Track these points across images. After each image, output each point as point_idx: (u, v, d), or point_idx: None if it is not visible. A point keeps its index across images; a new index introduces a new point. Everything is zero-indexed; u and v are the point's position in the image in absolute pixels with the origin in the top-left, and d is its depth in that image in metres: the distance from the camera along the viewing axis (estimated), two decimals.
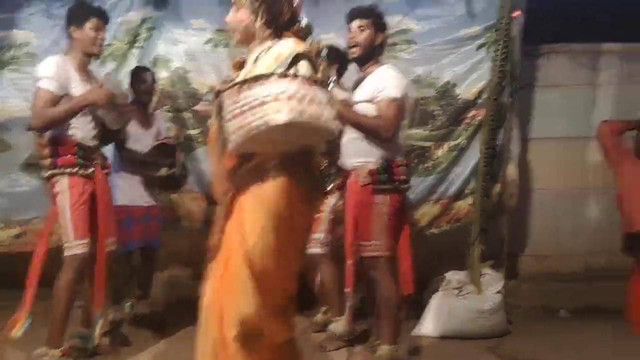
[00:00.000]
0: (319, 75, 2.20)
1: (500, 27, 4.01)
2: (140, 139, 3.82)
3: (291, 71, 2.05)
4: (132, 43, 4.19)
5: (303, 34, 2.29)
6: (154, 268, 3.99)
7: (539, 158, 4.70)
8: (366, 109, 3.10)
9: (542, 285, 4.61)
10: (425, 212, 4.30)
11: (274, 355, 2.24)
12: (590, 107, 4.67)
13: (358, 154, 3.14)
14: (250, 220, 2.13)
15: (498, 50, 4.04)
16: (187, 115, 4.25)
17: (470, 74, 4.29)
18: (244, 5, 2.26)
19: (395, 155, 3.14)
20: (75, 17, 3.20)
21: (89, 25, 3.16)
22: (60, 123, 3.11)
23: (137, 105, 3.83)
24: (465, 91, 4.28)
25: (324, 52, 2.31)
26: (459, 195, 4.31)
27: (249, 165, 2.17)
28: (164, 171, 3.77)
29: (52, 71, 3.07)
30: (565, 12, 4.55)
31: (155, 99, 4.06)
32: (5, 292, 3.51)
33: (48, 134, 3.17)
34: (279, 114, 1.92)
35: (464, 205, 4.30)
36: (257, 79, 1.98)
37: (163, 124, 4.07)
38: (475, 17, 4.28)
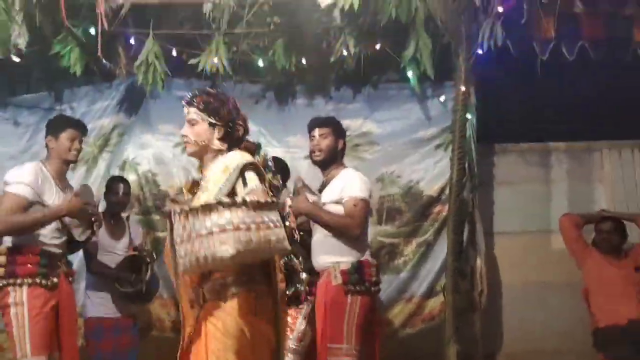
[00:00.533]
0: (266, 184, 2.33)
1: (454, 129, 4.21)
2: (112, 250, 3.79)
3: (238, 199, 2.11)
4: (102, 147, 4.27)
5: (254, 148, 2.44)
6: None
7: (502, 253, 4.78)
8: (334, 210, 3.19)
9: None
10: (399, 312, 4.29)
11: None
12: (545, 202, 4.84)
13: (329, 253, 3.18)
14: (212, 340, 2.18)
15: (454, 149, 4.23)
16: (156, 217, 4.25)
17: (431, 171, 4.48)
18: (201, 121, 2.36)
19: (365, 255, 3.20)
20: (52, 128, 3.30)
21: (65, 135, 3.25)
22: (27, 232, 3.05)
23: (109, 215, 3.81)
24: (428, 188, 4.45)
25: (270, 163, 2.46)
26: (430, 292, 4.33)
27: (207, 283, 2.24)
28: (129, 287, 3.70)
29: (27, 177, 3.06)
30: (514, 113, 4.87)
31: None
32: None
33: (7, 239, 3.09)
34: (225, 246, 2.00)
35: (436, 303, 4.31)
36: (205, 208, 2.05)
37: (136, 230, 4.03)
38: (431, 120, 4.55)
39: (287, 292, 2.87)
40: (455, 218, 4.15)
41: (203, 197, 2.27)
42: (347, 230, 3.12)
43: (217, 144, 2.37)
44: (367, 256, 3.21)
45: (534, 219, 4.81)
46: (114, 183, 3.91)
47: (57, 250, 3.17)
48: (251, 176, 2.28)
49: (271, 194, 2.35)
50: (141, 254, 3.80)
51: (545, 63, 4.05)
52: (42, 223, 3.06)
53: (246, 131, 2.46)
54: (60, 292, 3.10)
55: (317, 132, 3.31)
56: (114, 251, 3.80)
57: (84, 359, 3.59)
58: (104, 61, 4.11)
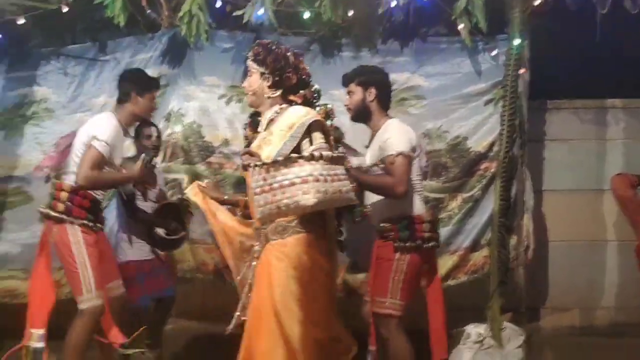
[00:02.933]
0: (331, 137, 2.52)
1: (506, 83, 4.09)
2: (146, 197, 3.85)
3: (316, 153, 2.29)
4: None
5: (311, 97, 2.50)
6: (166, 317, 3.89)
7: (551, 210, 4.70)
8: (378, 170, 3.16)
9: (563, 339, 4.50)
10: (442, 264, 4.20)
11: None
12: (599, 160, 4.71)
13: (380, 210, 3.18)
14: (275, 271, 2.40)
15: (505, 105, 4.10)
16: (200, 168, 4.25)
17: (479, 127, 4.34)
18: (254, 72, 2.57)
19: (416, 210, 3.15)
20: (139, 85, 3.36)
21: (150, 95, 3.38)
22: (103, 188, 3.30)
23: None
24: (476, 144, 4.32)
25: (332, 115, 2.50)
26: (475, 246, 4.27)
27: (270, 225, 2.47)
28: (161, 232, 3.77)
29: (111, 137, 3.19)
30: (569, 69, 4.67)
31: (169, 151, 4.08)
32: None
33: (70, 180, 3.23)
34: (308, 196, 2.21)
35: (480, 256, 4.25)
36: (286, 161, 2.26)
37: (162, 181, 4.07)
38: (481, 74, 4.38)
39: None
40: (504, 175, 4.06)
41: (267, 150, 2.43)
42: (390, 190, 3.06)
43: (268, 92, 2.55)
44: (419, 211, 3.16)
45: (587, 177, 4.71)
46: (146, 127, 3.82)
47: (101, 199, 3.38)
48: (317, 135, 2.46)
49: (335, 147, 2.53)
50: (180, 202, 3.85)
51: (603, 16, 3.86)
52: (117, 184, 3.46)
53: (302, 80, 2.58)
54: (99, 238, 3.28)
55: (346, 90, 3.27)
56: (148, 198, 3.86)
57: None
58: (147, 12, 4.10)
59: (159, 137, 3.91)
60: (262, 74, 2.54)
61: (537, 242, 4.32)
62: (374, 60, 4.36)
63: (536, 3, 3.99)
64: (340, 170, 2.31)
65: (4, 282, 4.05)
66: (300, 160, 2.24)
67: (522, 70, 4.17)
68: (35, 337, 3.14)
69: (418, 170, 3.23)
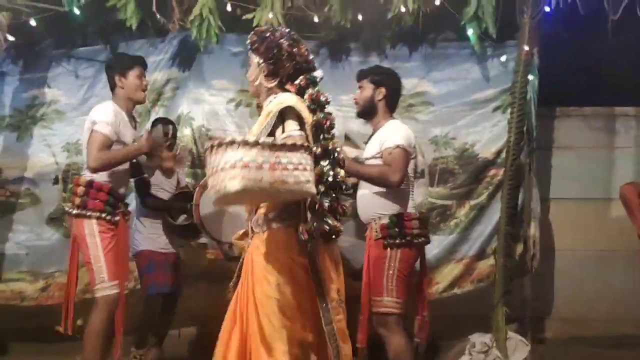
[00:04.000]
0: (307, 127, 2.37)
1: (515, 90, 4.07)
2: (163, 187, 3.91)
3: (250, 138, 2.15)
4: (155, 101, 4.30)
5: (306, 85, 2.42)
6: (171, 317, 3.91)
7: (558, 219, 4.67)
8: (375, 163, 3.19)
9: (569, 350, 4.45)
10: (448, 272, 4.23)
11: None
12: (608, 169, 4.68)
13: (370, 208, 3.21)
14: (256, 266, 2.34)
15: (514, 112, 4.08)
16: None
17: (487, 134, 4.34)
18: (252, 62, 2.49)
19: (406, 207, 3.19)
20: (119, 66, 3.39)
21: (133, 73, 3.37)
22: (115, 166, 3.29)
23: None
24: (484, 150, 4.32)
25: (323, 99, 2.41)
26: (481, 255, 4.26)
27: (253, 217, 2.41)
28: (182, 219, 3.81)
29: (110, 117, 3.24)
30: (578, 76, 4.64)
31: (185, 154, 4.14)
32: (33, 345, 3.49)
33: (87, 173, 3.30)
34: (233, 181, 2.07)
35: (485, 265, 4.24)
36: (221, 145, 2.13)
37: (182, 173, 4.12)
38: (490, 81, 4.39)
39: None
40: (511, 182, 4.03)
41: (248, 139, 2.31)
42: (386, 178, 3.11)
43: (264, 82, 2.46)
44: (409, 209, 3.21)
45: (595, 185, 4.67)
46: (161, 124, 3.88)
47: (121, 191, 3.42)
48: (290, 122, 2.36)
49: (318, 134, 2.36)
50: (193, 189, 3.87)
51: (614, 23, 3.81)
52: (130, 158, 3.37)
53: (299, 67, 2.46)
54: (119, 230, 3.32)
55: (359, 85, 3.34)
56: (165, 188, 3.91)
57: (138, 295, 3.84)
58: (158, 15, 4.12)
59: (175, 133, 3.95)
60: (258, 63, 2.46)
61: (543, 251, 4.30)
62: (382, 65, 4.37)
63: (547, 9, 3.97)
64: (292, 159, 2.15)
65: (13, 284, 4.09)
66: (234, 145, 2.09)
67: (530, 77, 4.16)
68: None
69: (411, 170, 3.27)
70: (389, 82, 3.33)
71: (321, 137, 2.36)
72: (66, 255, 3.41)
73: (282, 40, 2.44)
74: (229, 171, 2.07)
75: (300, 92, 2.45)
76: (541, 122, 4.42)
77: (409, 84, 4.34)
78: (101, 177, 3.28)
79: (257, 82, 2.47)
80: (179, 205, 3.82)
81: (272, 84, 2.45)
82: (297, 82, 2.44)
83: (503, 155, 4.19)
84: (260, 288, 2.31)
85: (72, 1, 3.84)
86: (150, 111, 4.28)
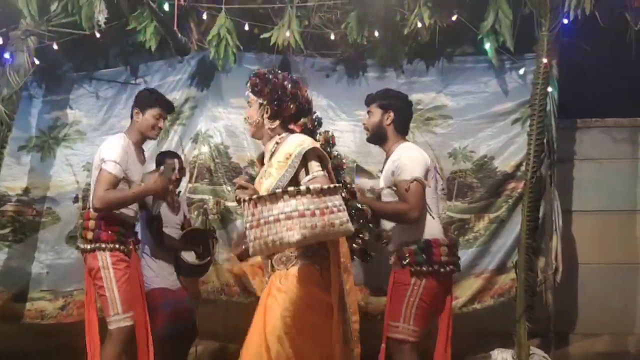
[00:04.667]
0: (329, 166, 2.43)
1: (534, 102, 4.03)
2: (170, 223, 3.88)
3: (302, 187, 2.22)
4: (174, 120, 4.35)
5: (312, 126, 2.46)
6: (189, 347, 3.91)
7: (581, 232, 4.59)
8: (391, 194, 3.17)
9: None
10: (468, 287, 4.19)
11: None
12: (631, 180, 4.60)
13: (400, 235, 3.17)
14: (272, 302, 2.37)
15: (533, 124, 4.05)
16: (227, 188, 4.32)
17: (507, 147, 4.31)
18: (254, 102, 2.55)
19: (433, 234, 3.12)
20: (141, 102, 3.43)
21: (151, 112, 3.40)
22: (122, 207, 3.28)
23: None
24: (503, 164, 4.29)
25: (332, 141, 2.45)
26: (502, 269, 4.22)
27: (275, 255, 2.43)
28: (193, 257, 3.81)
29: (119, 155, 3.24)
30: (599, 88, 4.59)
31: (195, 172, 4.15)
32: None
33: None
34: (291, 232, 2.14)
35: (507, 279, 4.19)
36: (272, 197, 2.19)
37: (186, 208, 4.12)
38: (508, 94, 4.36)
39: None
40: (531, 195, 3.99)
41: (266, 183, 2.40)
42: (404, 216, 3.06)
43: (267, 123, 2.52)
44: (436, 235, 3.13)
45: (618, 198, 4.59)
46: (167, 158, 3.76)
47: (132, 221, 3.42)
48: (313, 164, 2.41)
49: (333, 176, 2.43)
50: (205, 228, 3.90)
51: (636, 32, 3.79)
52: (136, 200, 3.35)
53: (301, 108, 2.55)
54: (132, 260, 3.34)
55: (367, 110, 3.31)
56: (172, 225, 3.89)
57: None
58: (179, 36, 4.20)
59: (181, 166, 3.85)
60: (260, 104, 2.52)
61: (566, 264, 4.23)
62: (399, 80, 4.40)
63: (565, 22, 3.94)
64: (334, 201, 2.22)
65: (36, 303, 4.14)
66: (286, 196, 2.17)
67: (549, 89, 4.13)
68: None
69: (433, 192, 3.20)
70: (397, 106, 3.28)
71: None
72: (84, 274, 3.40)
73: (285, 82, 2.52)
74: (285, 222, 2.14)
75: (306, 132, 2.49)
76: (562, 134, 4.37)
77: (426, 98, 4.36)
78: None
79: (259, 123, 2.53)
80: (191, 244, 3.81)
81: (275, 124, 2.51)
82: (303, 121, 2.49)
83: (522, 168, 4.16)
84: (273, 324, 2.33)
85: (94, 25, 3.92)
86: (169, 130, 4.33)
